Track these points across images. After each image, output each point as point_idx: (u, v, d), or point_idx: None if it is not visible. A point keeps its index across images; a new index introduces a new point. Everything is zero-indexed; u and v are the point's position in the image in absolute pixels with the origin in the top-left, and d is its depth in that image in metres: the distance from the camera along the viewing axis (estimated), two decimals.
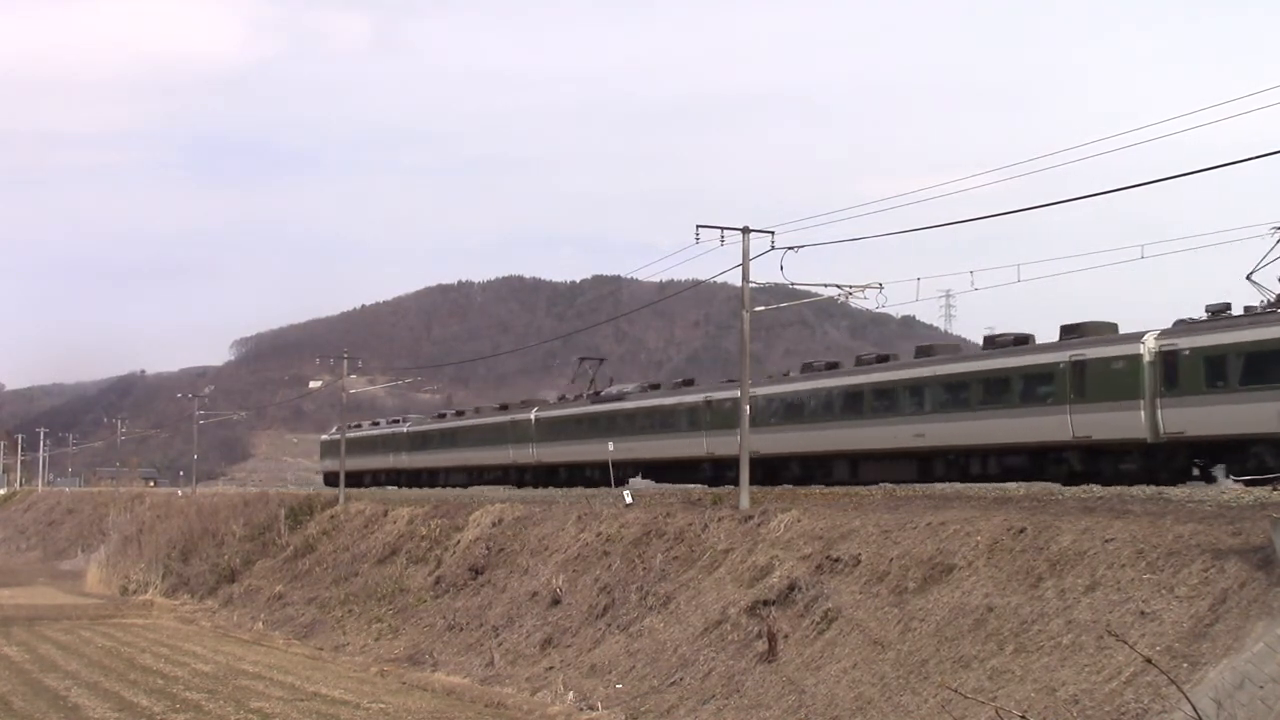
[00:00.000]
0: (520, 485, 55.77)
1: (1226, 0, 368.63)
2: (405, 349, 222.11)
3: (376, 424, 79.75)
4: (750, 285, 33.33)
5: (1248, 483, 26.50)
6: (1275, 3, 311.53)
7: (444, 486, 62.05)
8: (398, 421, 75.98)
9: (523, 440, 56.80)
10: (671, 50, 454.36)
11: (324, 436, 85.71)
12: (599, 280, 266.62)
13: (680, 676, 26.18)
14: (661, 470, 48.45)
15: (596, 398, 53.09)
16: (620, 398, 51.12)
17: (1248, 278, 35.57)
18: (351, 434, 78.44)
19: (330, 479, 78.89)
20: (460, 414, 69.62)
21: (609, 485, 46.29)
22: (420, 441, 69.29)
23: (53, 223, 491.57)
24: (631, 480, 48.77)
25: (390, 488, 70.27)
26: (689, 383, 50.98)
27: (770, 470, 40.74)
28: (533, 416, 56.50)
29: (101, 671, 35.26)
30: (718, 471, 43.51)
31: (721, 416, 43.10)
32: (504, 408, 62.46)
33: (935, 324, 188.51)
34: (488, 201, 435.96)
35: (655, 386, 52.16)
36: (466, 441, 63.26)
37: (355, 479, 75.10)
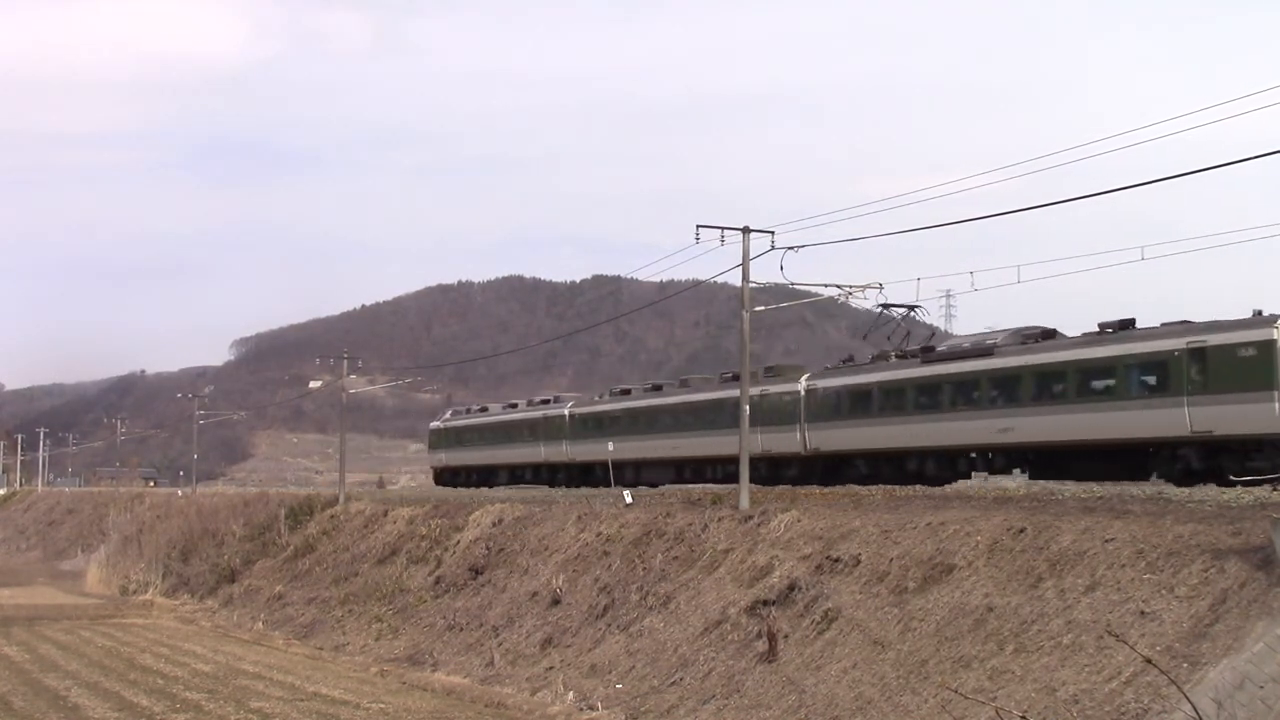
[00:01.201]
0: (772, 483, 40.55)
1: (1226, 0, 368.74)
2: (405, 349, 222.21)
3: (513, 406, 64.22)
4: (750, 285, 33.35)
5: (1247, 483, 26.37)
6: (1276, 3, 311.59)
7: (637, 485, 46.67)
8: (549, 402, 60.90)
9: (782, 421, 41.81)
10: (671, 50, 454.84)
11: (434, 423, 70.67)
12: (599, 280, 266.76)
13: (680, 676, 26.19)
14: (1060, 460, 32.87)
15: (928, 355, 37.78)
16: (986, 351, 35.08)
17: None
18: (475, 419, 66.19)
19: (445, 476, 67.19)
20: (657, 389, 52.58)
21: (954, 480, 36.06)
22: (595, 425, 53.68)
23: (53, 223, 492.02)
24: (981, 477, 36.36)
25: (535, 488, 55.75)
26: (1127, 324, 32.48)
27: None
28: (802, 387, 41.51)
29: (101, 671, 35.26)
30: (1211, 460, 29.29)
31: (1232, 373, 28.45)
32: (735, 377, 45.01)
33: (935, 324, 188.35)
34: (488, 201, 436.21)
35: (1049, 334, 35.10)
36: (678, 424, 47.51)
37: (483, 476, 63.29)
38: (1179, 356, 29.56)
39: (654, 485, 45.64)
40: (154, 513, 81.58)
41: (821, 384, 41.08)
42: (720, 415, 44.56)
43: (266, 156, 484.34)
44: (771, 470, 42.04)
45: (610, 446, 50.13)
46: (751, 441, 41.43)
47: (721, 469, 44.20)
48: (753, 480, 41.66)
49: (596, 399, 57.16)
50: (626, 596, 31.36)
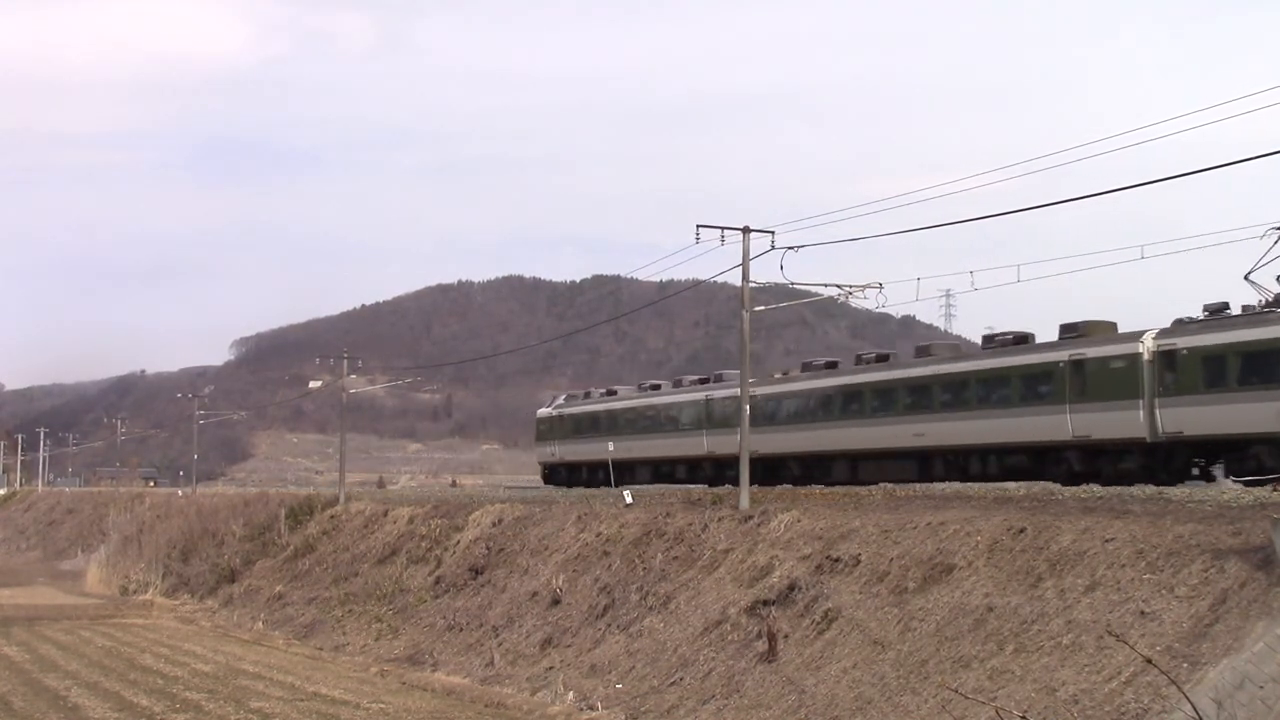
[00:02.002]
0: (1085, 480, 31.51)
1: (1226, 1, 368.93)
2: (405, 349, 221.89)
3: (654, 387, 52.71)
4: (750, 285, 33.36)
5: (1247, 483, 26.25)
6: (1276, 2, 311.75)
7: (853, 483, 37.60)
8: (708, 381, 48.97)
9: (1111, 395, 31.45)
10: (671, 50, 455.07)
11: (544, 410, 58.74)
12: (599, 280, 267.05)
13: (680, 676, 26.19)
14: None
15: None
16: None
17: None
18: (604, 403, 54.34)
19: (560, 474, 56.49)
20: (882, 359, 41.14)
21: None
22: (788, 408, 42.70)
23: (53, 223, 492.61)
24: None
25: (685, 486, 45.43)
26: None
27: None
28: (1147, 348, 30.94)
29: (101, 671, 35.26)
30: None
31: None
32: (1021, 341, 35.67)
33: (935, 324, 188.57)
34: (488, 201, 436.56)
35: None
36: (923, 404, 37.01)
37: (615, 473, 50.61)
38: None
39: (870, 483, 36.62)
40: (154, 513, 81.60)
41: (1185, 343, 30.00)
42: (998, 391, 34.73)
43: (267, 157, 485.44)
44: (1088, 462, 32.52)
45: (804, 435, 40.47)
46: (1056, 425, 32.79)
47: (997, 460, 34.93)
48: (1053, 478, 32.76)
49: (778, 376, 46.12)
50: (626, 596, 31.36)
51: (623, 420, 52.08)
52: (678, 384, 51.47)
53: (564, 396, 59.88)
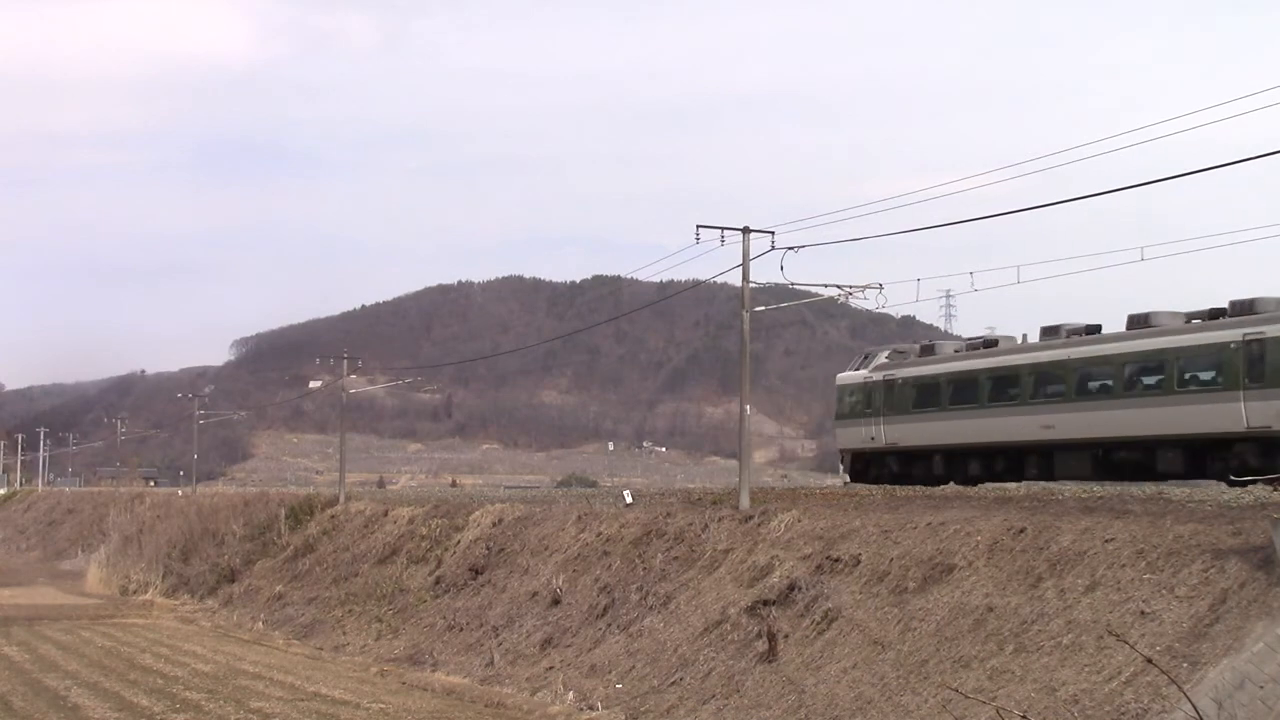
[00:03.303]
0: None
1: (1226, 1, 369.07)
2: (405, 349, 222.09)
3: (1093, 331, 32.79)
4: (750, 285, 33.37)
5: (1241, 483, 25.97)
6: (1276, 2, 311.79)
7: None
8: (1221, 315, 28.97)
9: None
10: (672, 50, 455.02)
11: (849, 374, 40.28)
12: (599, 280, 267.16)
13: (680, 676, 26.19)
14: None
15: None
16: None
17: None
18: (971, 360, 35.39)
19: (884, 467, 37.95)
20: None
21: None
22: None
23: (53, 223, 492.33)
24: None
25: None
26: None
27: None
28: None
29: (101, 671, 35.25)
30: None
31: None
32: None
33: (935, 324, 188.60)
34: (488, 201, 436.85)
35: None
36: None
37: (1011, 462, 34.00)
38: None
39: None
40: (154, 513, 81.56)
41: None
42: None
43: (268, 157, 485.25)
44: None
45: None
46: None
47: None
48: None
49: None
50: (626, 596, 31.36)
51: (1029, 381, 32.94)
52: (1137, 323, 30.79)
53: (885, 353, 39.95)
